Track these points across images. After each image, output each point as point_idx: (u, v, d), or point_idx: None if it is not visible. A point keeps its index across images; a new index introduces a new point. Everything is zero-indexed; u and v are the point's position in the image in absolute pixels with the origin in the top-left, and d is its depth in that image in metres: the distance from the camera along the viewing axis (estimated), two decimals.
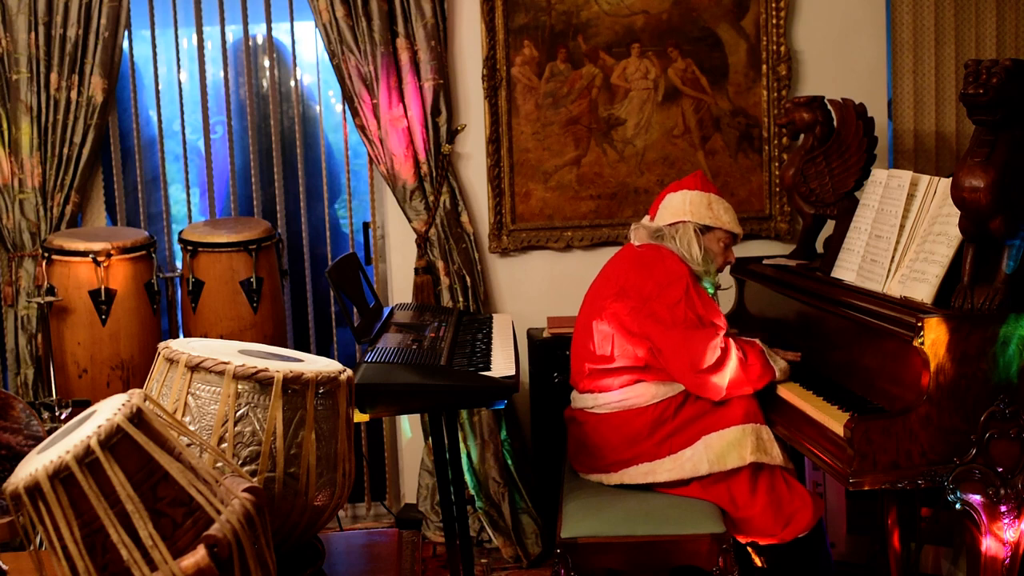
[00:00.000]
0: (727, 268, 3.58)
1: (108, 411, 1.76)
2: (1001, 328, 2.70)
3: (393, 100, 4.15)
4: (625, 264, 3.34)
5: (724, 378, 3.13)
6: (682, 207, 3.38)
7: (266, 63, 4.66)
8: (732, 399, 3.19)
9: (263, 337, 3.97)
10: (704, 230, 3.36)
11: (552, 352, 4.06)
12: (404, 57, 4.14)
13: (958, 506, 2.75)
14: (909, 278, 2.98)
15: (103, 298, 3.83)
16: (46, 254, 3.90)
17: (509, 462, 4.25)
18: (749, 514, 3.12)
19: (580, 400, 3.34)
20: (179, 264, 4.22)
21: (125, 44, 4.27)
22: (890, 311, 2.89)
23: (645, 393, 3.21)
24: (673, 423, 3.18)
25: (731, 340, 3.19)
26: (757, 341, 3.28)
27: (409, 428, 4.48)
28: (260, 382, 2.05)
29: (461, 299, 4.27)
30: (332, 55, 4.18)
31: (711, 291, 3.39)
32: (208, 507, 1.76)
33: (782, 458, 3.18)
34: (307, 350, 4.56)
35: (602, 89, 4.34)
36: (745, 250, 4.07)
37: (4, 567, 2.13)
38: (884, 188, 3.22)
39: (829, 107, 3.69)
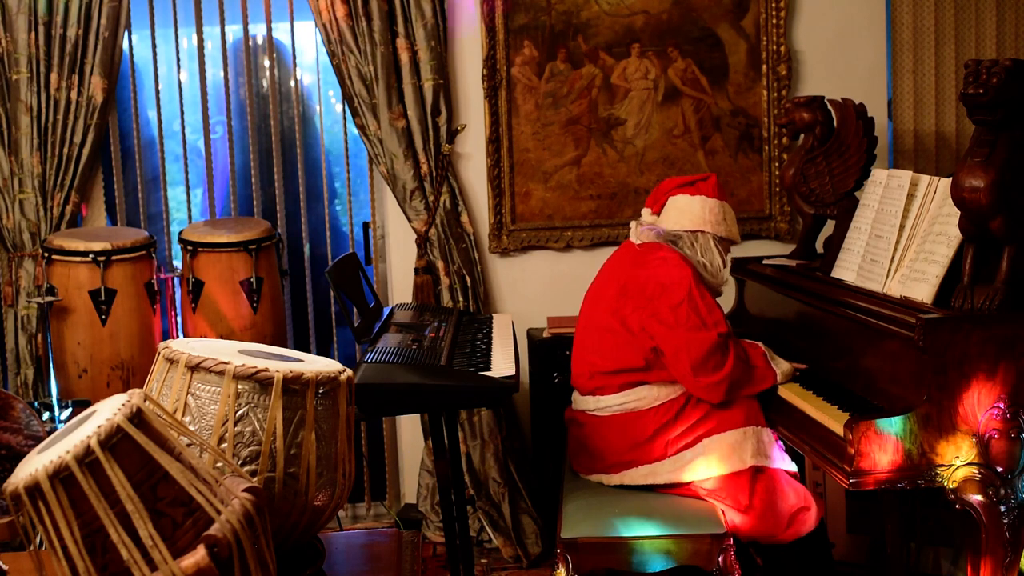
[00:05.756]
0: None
1: (108, 411, 1.76)
2: (1001, 328, 2.70)
3: (393, 100, 4.15)
4: (626, 263, 3.33)
5: (724, 381, 3.12)
6: (702, 215, 3.32)
7: (266, 63, 4.66)
8: (733, 401, 3.18)
9: (263, 337, 3.97)
10: (721, 240, 3.34)
11: (552, 352, 4.06)
12: (404, 57, 4.14)
13: (958, 506, 2.75)
14: (909, 278, 2.98)
15: (103, 298, 3.83)
16: (46, 254, 3.90)
17: (509, 462, 4.25)
18: (750, 516, 3.12)
19: (582, 402, 3.34)
20: (179, 264, 4.22)
21: (125, 44, 4.27)
22: (890, 311, 2.89)
23: (647, 396, 3.21)
24: (674, 426, 3.18)
25: (733, 342, 3.18)
26: (760, 344, 3.27)
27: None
28: (260, 382, 2.05)
29: (461, 299, 4.26)
30: (332, 55, 4.18)
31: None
32: (208, 507, 1.76)
33: (783, 460, 3.18)
34: (307, 350, 4.56)
35: (602, 89, 4.34)
36: (745, 250, 4.07)
37: (4, 567, 2.13)
38: (884, 188, 3.22)
39: (829, 107, 3.69)
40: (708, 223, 3.31)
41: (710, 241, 3.32)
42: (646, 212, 3.43)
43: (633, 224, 3.43)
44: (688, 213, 3.34)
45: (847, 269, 3.31)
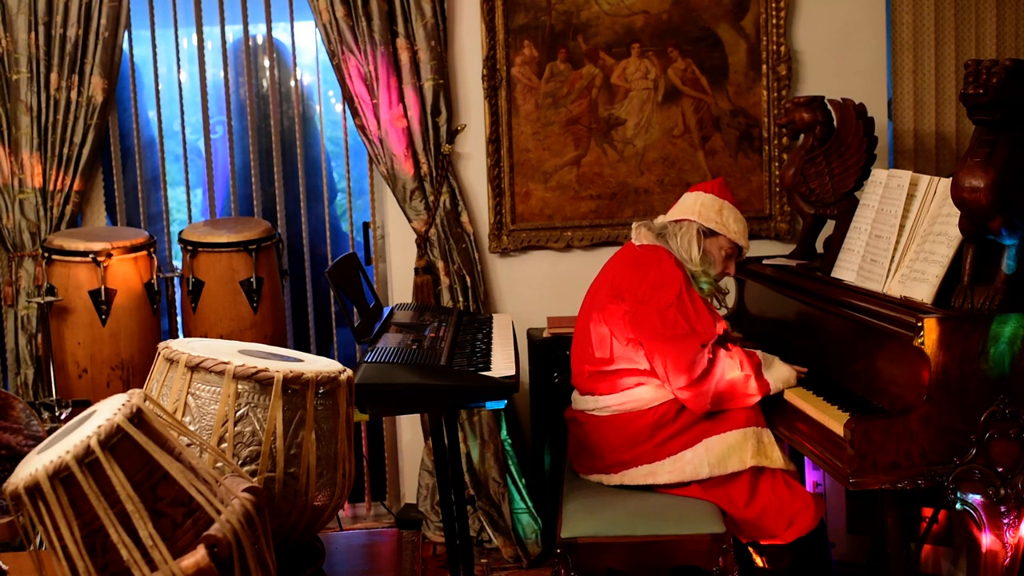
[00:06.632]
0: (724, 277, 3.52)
1: (108, 411, 1.76)
2: (1001, 328, 2.70)
3: (393, 100, 4.15)
4: (622, 264, 3.33)
5: (708, 391, 3.10)
6: (692, 207, 3.34)
7: (266, 63, 4.66)
8: None
9: (263, 337, 3.97)
10: (708, 233, 3.32)
11: (552, 352, 4.06)
12: (404, 57, 4.14)
13: (958, 506, 2.75)
14: (909, 278, 2.98)
15: (103, 298, 3.83)
16: (46, 254, 3.90)
17: (509, 462, 4.25)
18: (750, 516, 3.11)
19: (581, 402, 3.33)
20: (179, 264, 4.22)
21: (125, 44, 4.27)
22: (890, 311, 2.89)
23: (645, 396, 3.20)
24: (674, 426, 3.17)
25: (723, 352, 3.15)
26: (757, 354, 3.24)
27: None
28: (260, 382, 2.05)
29: (461, 299, 4.26)
30: (332, 55, 4.18)
31: (707, 289, 3.34)
32: (208, 507, 1.76)
33: (783, 460, 3.17)
34: (307, 350, 4.56)
35: (602, 89, 4.34)
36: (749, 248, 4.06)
37: (4, 567, 2.13)
38: (884, 188, 3.22)
39: (829, 107, 3.69)
40: (695, 213, 3.32)
41: (692, 229, 3.31)
42: (660, 217, 3.44)
43: (635, 224, 3.42)
44: (681, 206, 3.38)
45: (847, 269, 3.31)
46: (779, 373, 3.21)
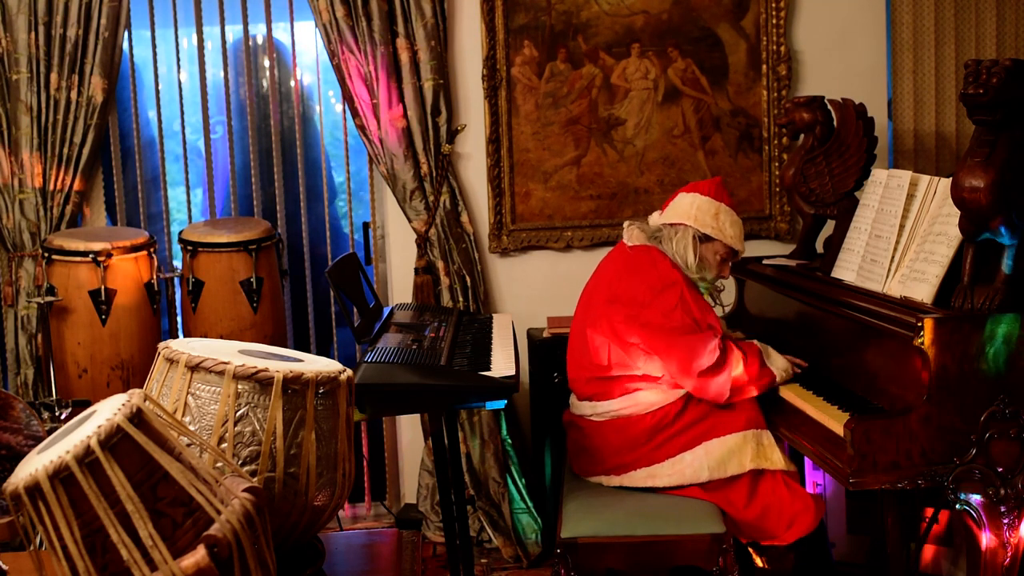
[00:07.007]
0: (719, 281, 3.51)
1: (108, 411, 1.76)
2: (1001, 328, 2.70)
3: (393, 100, 4.15)
4: (617, 267, 3.31)
5: (727, 380, 3.11)
6: (688, 210, 3.29)
7: (266, 63, 4.66)
8: (734, 404, 3.17)
9: (263, 337, 3.97)
10: (704, 239, 3.29)
11: (552, 352, 4.06)
12: (404, 57, 4.14)
13: (958, 506, 2.75)
14: (909, 278, 2.98)
15: (103, 298, 3.83)
16: (46, 254, 3.90)
17: (509, 462, 4.25)
18: (750, 517, 3.11)
19: (579, 407, 3.33)
20: (179, 264, 4.23)
21: (125, 44, 4.27)
22: (890, 311, 2.89)
23: (644, 401, 3.19)
24: (672, 429, 3.16)
25: (731, 342, 3.17)
26: (755, 343, 3.25)
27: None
28: (260, 382, 2.05)
29: (461, 299, 4.26)
30: (332, 55, 4.18)
31: (704, 293, 3.35)
32: (208, 507, 1.76)
33: (783, 462, 3.16)
34: (307, 350, 4.56)
35: (602, 89, 4.34)
36: (745, 250, 4.06)
37: (4, 567, 2.13)
38: (884, 188, 3.22)
39: (829, 107, 3.69)
40: (691, 217, 3.28)
41: (688, 234, 3.27)
42: (655, 214, 3.42)
43: (626, 224, 3.41)
44: (676, 208, 3.33)
45: (847, 269, 3.31)
46: (779, 363, 3.22)
